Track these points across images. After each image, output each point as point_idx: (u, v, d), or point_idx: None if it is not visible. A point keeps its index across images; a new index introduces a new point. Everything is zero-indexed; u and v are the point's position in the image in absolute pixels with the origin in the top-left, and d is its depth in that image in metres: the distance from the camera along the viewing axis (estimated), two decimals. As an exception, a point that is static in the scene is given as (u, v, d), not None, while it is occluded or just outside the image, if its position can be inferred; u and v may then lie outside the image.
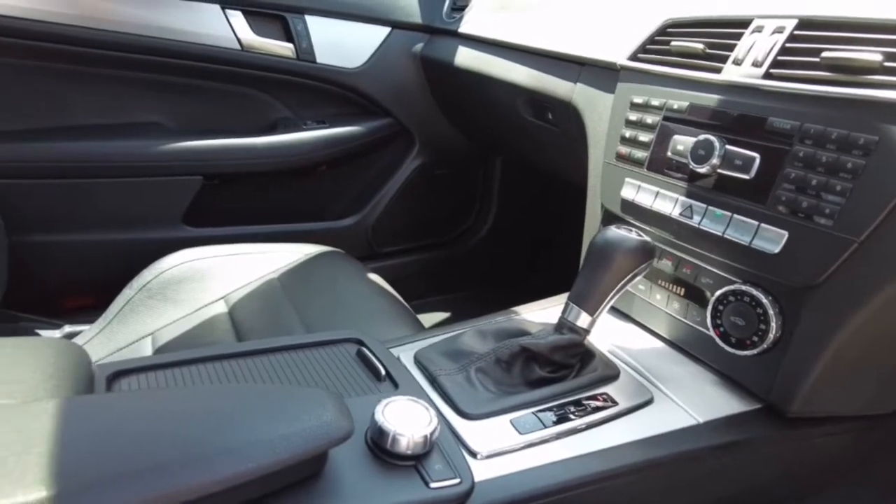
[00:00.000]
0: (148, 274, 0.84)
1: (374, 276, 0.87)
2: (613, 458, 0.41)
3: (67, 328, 0.91)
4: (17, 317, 0.91)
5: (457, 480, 0.35)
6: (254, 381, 0.43)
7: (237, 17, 0.95)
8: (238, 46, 0.96)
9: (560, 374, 0.47)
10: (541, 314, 0.56)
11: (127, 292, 0.83)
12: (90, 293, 0.96)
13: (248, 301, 0.80)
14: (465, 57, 0.95)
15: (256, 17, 0.97)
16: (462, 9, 1.00)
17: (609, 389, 0.47)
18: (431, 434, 0.35)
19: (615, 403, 0.45)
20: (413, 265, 1.23)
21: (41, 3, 0.85)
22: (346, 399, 0.36)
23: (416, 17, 1.07)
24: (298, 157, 1.04)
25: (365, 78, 1.07)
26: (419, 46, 1.07)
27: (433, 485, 0.34)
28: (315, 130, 1.06)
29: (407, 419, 0.35)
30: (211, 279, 0.83)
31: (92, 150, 0.92)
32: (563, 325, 0.47)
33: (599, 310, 0.47)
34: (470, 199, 1.28)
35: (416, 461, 0.35)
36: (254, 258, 0.87)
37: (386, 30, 1.06)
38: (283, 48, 0.99)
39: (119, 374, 0.42)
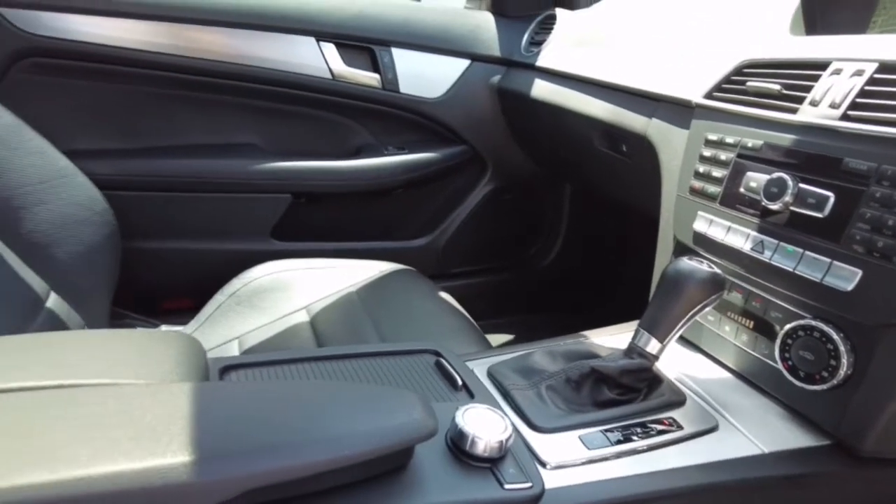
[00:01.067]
0: (238, 282, 0.92)
1: (444, 294, 0.91)
2: (676, 479, 0.42)
3: (164, 327, 1.00)
4: (122, 314, 1.01)
5: (528, 484, 0.38)
6: (344, 381, 0.48)
7: (330, 49, 1.04)
8: (329, 76, 1.04)
9: (628, 397, 0.49)
10: (610, 339, 0.58)
11: (218, 297, 0.91)
12: (186, 296, 1.06)
13: (328, 311, 0.86)
14: (542, 89, 0.98)
15: (347, 48, 1.05)
16: (540, 43, 1.04)
17: (675, 414, 0.48)
18: (507, 440, 0.38)
19: (680, 428, 0.47)
20: (481, 286, 1.27)
21: (159, 37, 0.96)
22: (431, 402, 0.40)
23: (495, 50, 1.12)
24: (378, 181, 1.11)
25: (444, 107, 1.13)
26: (496, 78, 1.12)
27: (507, 486, 0.37)
28: (395, 156, 1.13)
29: (484, 425, 0.39)
30: (294, 289, 0.90)
31: (195, 167, 1.02)
32: (633, 350, 0.50)
33: (669, 337, 0.48)
34: (539, 224, 1.31)
35: (491, 464, 0.38)
36: (334, 272, 0.93)
37: (466, 62, 1.12)
38: (370, 78, 1.07)
39: (228, 367, 0.48)
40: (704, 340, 0.59)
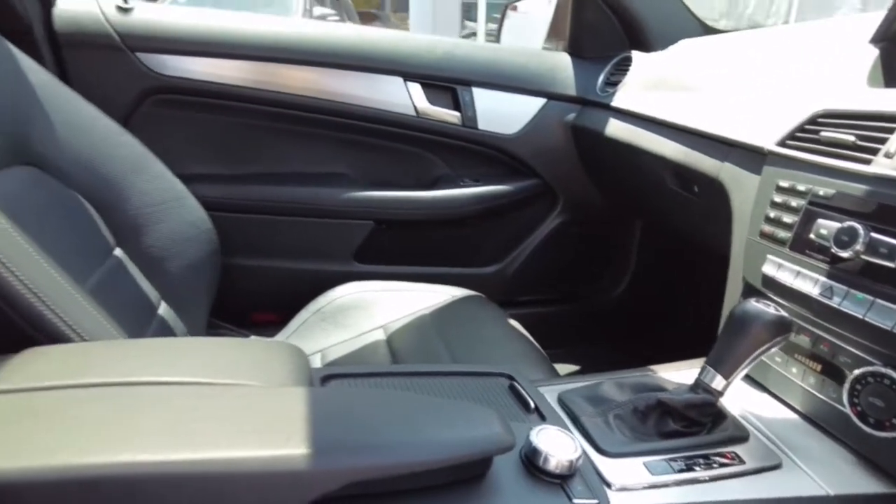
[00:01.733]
0: (322, 300, 1.00)
1: (513, 322, 0.96)
2: None
3: (253, 338, 1.09)
4: (217, 324, 1.11)
5: (595, 501, 0.41)
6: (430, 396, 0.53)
7: (416, 88, 1.12)
8: (413, 112, 1.12)
9: (692, 430, 0.52)
10: (676, 374, 0.61)
11: (303, 314, 0.99)
12: (274, 311, 1.14)
13: (403, 331, 0.91)
14: (616, 128, 1.02)
15: (431, 88, 1.13)
16: (615, 84, 1.08)
17: (738, 449, 0.50)
18: (576, 460, 0.42)
19: (742, 462, 0.49)
20: (547, 315, 1.30)
21: (264, 76, 1.07)
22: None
23: (570, 89, 1.17)
24: (454, 211, 1.17)
25: (519, 143, 1.18)
26: (571, 116, 1.16)
27: (575, 500, 0.41)
28: (470, 188, 1.19)
29: (556, 444, 0.43)
30: (373, 309, 0.97)
31: (289, 193, 1.12)
32: (698, 386, 0.52)
33: (734, 375, 0.51)
34: (608, 257, 1.33)
35: (561, 480, 0.42)
36: (410, 295, 1.00)
37: (542, 101, 1.17)
38: (451, 115, 1.14)
39: (328, 376, 0.54)
40: (771, 381, 0.60)
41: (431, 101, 1.13)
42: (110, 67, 1.01)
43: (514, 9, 1.39)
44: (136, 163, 0.86)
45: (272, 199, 1.11)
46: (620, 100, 1.04)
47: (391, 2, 10.85)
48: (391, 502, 0.38)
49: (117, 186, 0.83)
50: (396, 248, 1.20)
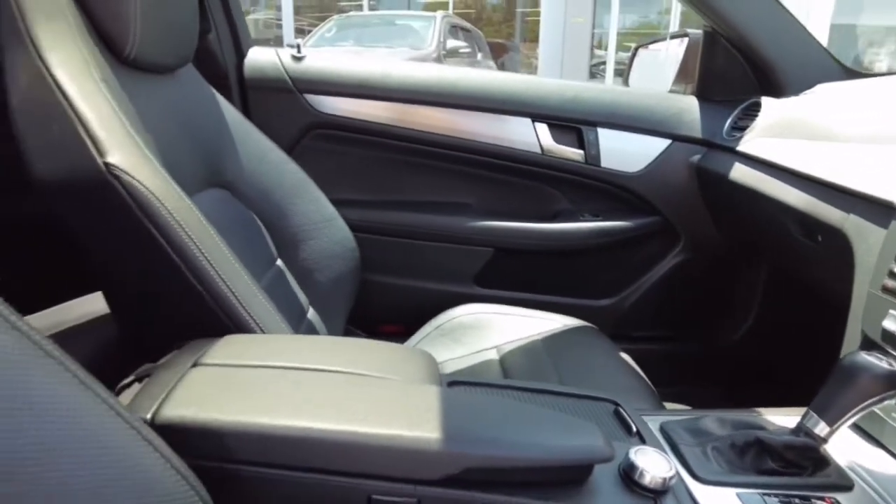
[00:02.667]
0: (443, 317, 1.09)
1: (624, 355, 0.99)
2: None
3: (392, 343, 1.22)
4: (352, 331, 1.24)
5: None
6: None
7: (543, 128, 1.20)
8: (539, 150, 1.20)
9: (791, 471, 0.54)
10: (782, 418, 0.62)
11: (426, 328, 1.09)
12: (400, 323, 1.26)
13: (516, 353, 0.98)
14: (740, 173, 1.03)
15: (558, 128, 1.20)
16: (742, 129, 1.09)
17: (839, 497, 0.51)
18: (670, 478, 0.47)
19: (843, 510, 0.50)
20: (659, 352, 1.31)
21: (405, 115, 1.20)
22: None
23: (696, 132, 1.19)
24: (572, 243, 1.23)
25: (642, 181, 1.21)
26: (696, 157, 1.18)
27: None
28: (590, 222, 1.24)
29: (653, 462, 0.47)
30: (488, 330, 1.05)
31: (421, 220, 1.24)
32: (800, 429, 0.54)
33: (838, 424, 0.52)
34: (729, 300, 1.31)
35: (655, 495, 0.47)
36: (524, 320, 1.06)
37: (667, 141, 1.20)
38: (575, 154, 1.20)
39: (453, 382, 0.62)
40: (886, 436, 0.59)
41: (556, 140, 1.20)
42: (282, 106, 1.19)
43: (645, 48, 1.43)
44: (298, 188, 1.02)
45: (407, 224, 1.24)
46: (746, 145, 1.04)
47: (521, 32, 11.11)
48: (501, 492, 0.45)
49: (282, 208, 0.98)
50: (514, 275, 1.28)
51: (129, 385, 0.53)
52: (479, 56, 7.06)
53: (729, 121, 1.15)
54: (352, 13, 6.92)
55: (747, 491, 0.51)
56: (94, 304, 1.09)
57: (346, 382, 0.50)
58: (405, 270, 1.26)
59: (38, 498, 0.28)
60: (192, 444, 0.42)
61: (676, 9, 8.93)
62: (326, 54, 1.24)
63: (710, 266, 1.27)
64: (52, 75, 0.62)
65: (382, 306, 1.28)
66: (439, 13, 6.00)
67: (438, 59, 5.35)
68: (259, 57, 1.21)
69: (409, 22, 5.90)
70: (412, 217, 1.24)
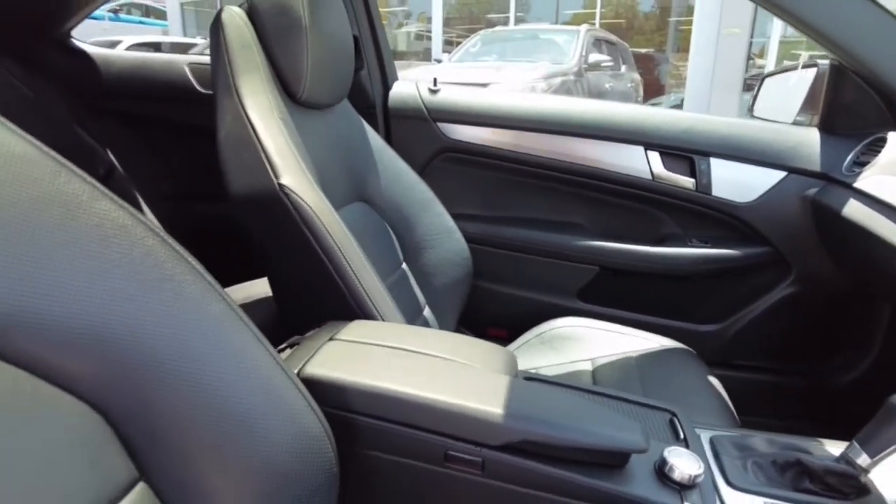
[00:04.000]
0: (545, 326, 1.20)
1: (713, 380, 1.03)
2: None
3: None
4: (461, 331, 1.39)
5: None
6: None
7: (654, 156, 1.26)
8: (650, 177, 1.26)
9: (830, 495, 0.59)
10: (830, 447, 0.66)
11: (528, 335, 1.21)
12: (505, 328, 1.39)
13: (608, 367, 1.07)
14: (855, 210, 1.02)
15: (670, 156, 1.26)
16: (864, 164, 1.07)
17: (872, 522, 0.56)
18: (696, 476, 0.55)
19: (874, 534, 0.55)
20: (762, 384, 1.30)
21: (522, 140, 1.33)
22: (652, 439, 0.59)
23: (814, 165, 1.18)
24: (678, 268, 1.28)
25: (753, 212, 1.23)
26: (813, 191, 1.17)
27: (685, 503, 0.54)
28: (698, 248, 1.28)
29: (684, 460, 0.56)
30: (586, 343, 1.14)
31: (533, 236, 1.36)
32: (843, 458, 0.59)
33: (880, 456, 0.56)
34: (843, 337, 1.28)
35: (681, 488, 0.55)
36: (622, 337, 1.14)
37: (782, 174, 1.21)
38: (686, 181, 1.25)
39: (528, 378, 0.74)
40: None
41: (668, 168, 1.25)
42: (418, 132, 1.38)
43: (773, 77, 1.43)
44: (424, 204, 1.19)
45: (519, 239, 1.36)
46: (864, 181, 1.03)
47: (674, 42, 10.67)
48: (549, 465, 0.57)
49: (410, 219, 1.16)
50: (617, 294, 1.35)
51: (283, 350, 0.72)
52: (624, 69, 6.95)
53: (851, 155, 1.13)
54: (497, 28, 7.15)
55: (775, 502, 0.57)
56: (259, 288, 1.35)
57: (441, 364, 0.65)
58: (513, 281, 1.39)
59: (230, 420, 0.45)
60: (324, 394, 0.58)
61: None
62: (458, 90, 1.41)
63: (823, 301, 1.25)
64: (247, 115, 0.84)
65: (490, 311, 1.42)
66: (583, 27, 6.00)
67: (579, 73, 5.38)
68: (402, 90, 1.40)
69: (553, 36, 5.98)
70: (524, 233, 1.36)
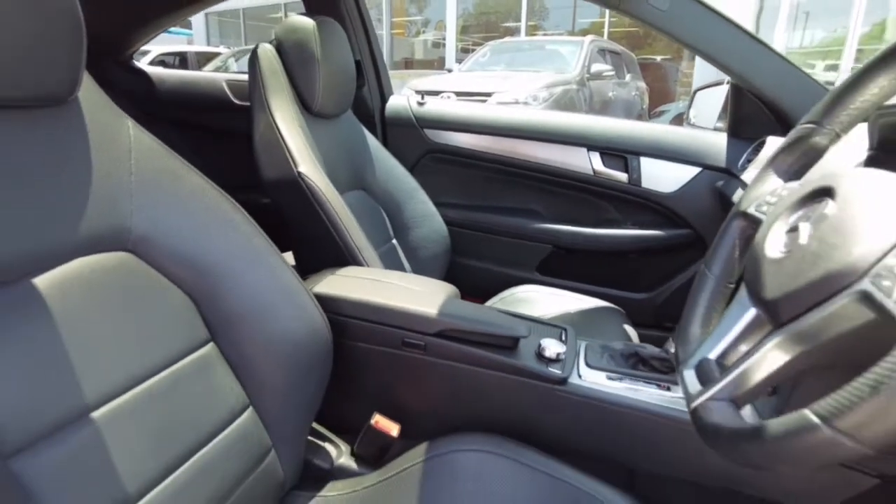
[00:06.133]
0: (506, 293, 1.51)
1: (629, 328, 1.34)
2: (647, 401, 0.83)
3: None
4: None
5: (561, 374, 0.85)
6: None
7: (595, 156, 1.57)
8: (591, 172, 1.58)
9: (653, 373, 0.89)
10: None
11: (494, 299, 1.52)
12: (477, 296, 1.71)
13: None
14: (739, 197, 1.32)
15: (607, 156, 1.57)
16: (751, 161, 1.38)
17: (671, 385, 0.87)
18: (560, 354, 0.86)
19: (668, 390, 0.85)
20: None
21: (493, 143, 1.65)
22: (537, 335, 0.91)
23: (721, 162, 1.48)
24: (617, 246, 1.59)
25: (675, 200, 1.54)
26: (720, 183, 1.47)
27: (551, 368, 0.86)
28: (632, 230, 1.59)
29: (554, 345, 0.88)
30: (537, 303, 1.44)
31: (500, 220, 1.68)
32: (663, 349, 0.90)
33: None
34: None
35: (550, 363, 0.87)
36: (566, 299, 1.45)
37: (697, 169, 1.51)
38: (621, 176, 1.56)
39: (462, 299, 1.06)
40: None
41: (606, 165, 1.57)
42: (408, 137, 1.71)
43: (703, 90, 1.74)
44: (412, 192, 1.51)
45: (488, 222, 1.69)
46: (747, 174, 1.33)
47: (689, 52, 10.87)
48: (469, 346, 0.88)
49: (400, 204, 1.49)
50: (568, 268, 1.66)
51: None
52: (628, 77, 7.23)
53: (745, 154, 1.43)
54: (506, 39, 7.48)
55: (612, 374, 0.88)
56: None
57: (402, 286, 0.97)
58: (484, 256, 1.71)
59: (263, 307, 0.78)
60: (325, 303, 0.91)
61: (857, 25, 8.27)
62: (441, 101, 1.74)
63: None
64: (275, 123, 1.17)
65: (466, 282, 1.74)
66: (587, 38, 6.32)
67: (582, 83, 5.68)
68: (395, 103, 1.74)
69: (558, 47, 6.30)
70: (493, 217, 1.69)
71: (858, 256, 0.41)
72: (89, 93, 0.69)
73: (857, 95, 0.56)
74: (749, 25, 8.16)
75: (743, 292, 0.56)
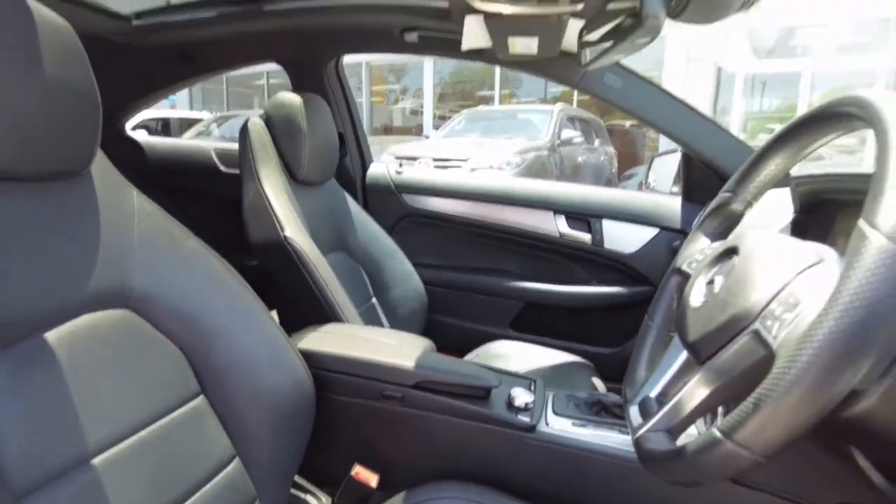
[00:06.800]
0: (481, 349, 1.58)
1: (597, 380, 1.41)
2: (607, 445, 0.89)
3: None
4: None
5: (530, 421, 0.92)
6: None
7: (561, 219, 1.69)
8: (558, 234, 1.69)
9: (612, 418, 0.96)
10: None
11: (470, 355, 1.59)
12: (455, 352, 1.77)
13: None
14: None
15: (572, 219, 1.69)
16: (702, 223, 1.50)
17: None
18: (528, 403, 0.93)
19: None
20: None
21: (468, 208, 1.76)
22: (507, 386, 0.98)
23: (677, 224, 1.61)
24: (583, 302, 1.68)
25: (636, 259, 1.65)
26: (677, 243, 1.59)
27: (520, 416, 0.92)
28: (598, 287, 1.69)
29: (523, 395, 0.95)
30: (510, 358, 1.52)
31: (475, 279, 1.77)
32: (622, 396, 0.97)
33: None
34: None
35: (519, 412, 0.93)
36: (537, 354, 1.52)
37: (655, 230, 1.63)
38: (584, 237, 1.67)
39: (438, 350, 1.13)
40: None
41: (571, 228, 1.68)
42: (387, 202, 1.82)
43: (660, 157, 1.89)
44: (390, 253, 1.60)
45: (463, 281, 1.78)
46: None
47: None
48: (444, 396, 0.95)
49: (380, 265, 1.57)
50: (540, 324, 1.74)
51: (284, 341, 1.11)
52: (597, 142, 7.58)
53: (698, 217, 1.56)
54: (480, 108, 7.83)
55: (577, 420, 0.95)
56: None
57: (380, 341, 1.04)
58: (460, 314, 1.79)
59: (251, 363, 0.84)
60: (308, 358, 0.97)
61: (806, 95, 8.86)
62: (417, 168, 1.86)
63: None
64: (263, 191, 1.26)
65: (442, 338, 1.80)
66: (557, 106, 6.66)
67: (552, 148, 5.95)
68: (375, 170, 1.86)
69: (529, 116, 6.62)
70: (468, 277, 1.78)
71: (753, 302, 0.50)
72: (99, 164, 0.77)
73: (760, 170, 0.67)
74: (710, 93, 8.65)
75: (677, 338, 0.64)
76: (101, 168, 0.78)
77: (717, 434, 0.44)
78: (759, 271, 0.52)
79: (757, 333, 0.48)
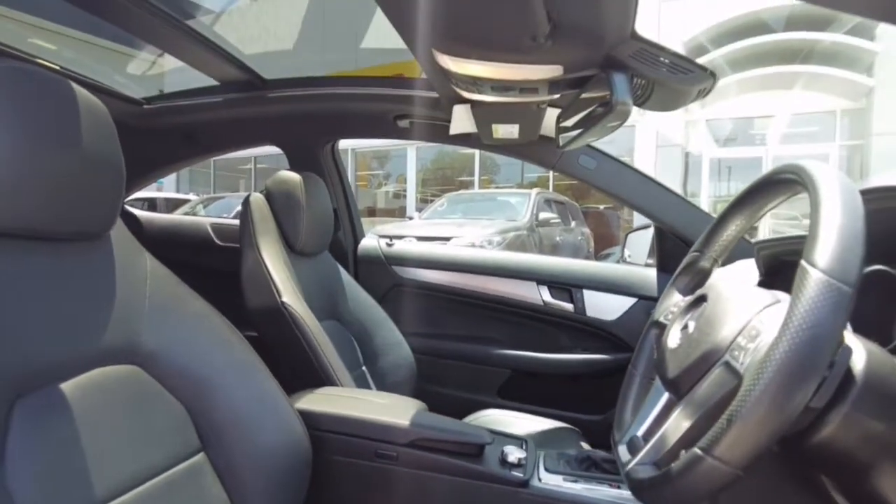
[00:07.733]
0: (471, 417, 1.61)
1: (585, 445, 1.44)
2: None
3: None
4: None
5: (523, 476, 0.95)
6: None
7: (544, 289, 1.77)
8: (542, 303, 1.76)
9: (603, 474, 1.00)
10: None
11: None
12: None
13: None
14: None
15: (555, 289, 1.77)
16: (677, 291, 1.59)
17: (622, 486, 0.97)
18: (521, 459, 0.97)
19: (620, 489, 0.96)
20: None
21: (455, 278, 1.84)
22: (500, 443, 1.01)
23: (654, 293, 1.69)
24: (569, 370, 1.73)
25: (617, 327, 1.72)
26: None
27: (513, 472, 0.95)
28: (582, 354, 1.74)
29: (515, 452, 0.98)
30: (501, 426, 1.54)
31: (462, 348, 1.82)
32: (612, 453, 1.01)
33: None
34: None
35: (511, 467, 0.97)
36: (525, 420, 1.55)
37: (633, 299, 1.72)
38: (567, 306, 1.75)
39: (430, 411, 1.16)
40: None
41: (554, 297, 1.76)
42: (378, 273, 1.89)
43: (634, 232, 2.01)
44: (380, 322, 1.65)
45: (451, 350, 1.82)
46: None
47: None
48: (438, 454, 0.98)
49: (370, 333, 1.61)
50: (527, 391, 1.78)
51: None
52: (573, 224, 7.84)
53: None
54: (461, 192, 8.13)
55: (568, 476, 0.98)
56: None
57: (376, 400, 1.08)
58: (448, 382, 1.82)
59: (251, 423, 0.88)
60: (306, 419, 1.01)
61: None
62: (406, 243, 1.95)
63: None
64: (263, 261, 1.32)
65: (431, 407, 1.81)
66: (534, 190, 6.96)
67: (531, 229, 6.15)
68: (367, 243, 1.94)
69: (508, 198, 6.88)
70: (455, 345, 1.82)
71: (722, 338, 0.57)
72: (118, 229, 0.84)
73: (723, 231, 0.76)
74: (679, 176, 9.10)
75: (659, 382, 0.71)
76: (120, 232, 0.84)
77: (698, 451, 0.50)
78: (727, 312, 0.59)
79: (728, 364, 0.55)
